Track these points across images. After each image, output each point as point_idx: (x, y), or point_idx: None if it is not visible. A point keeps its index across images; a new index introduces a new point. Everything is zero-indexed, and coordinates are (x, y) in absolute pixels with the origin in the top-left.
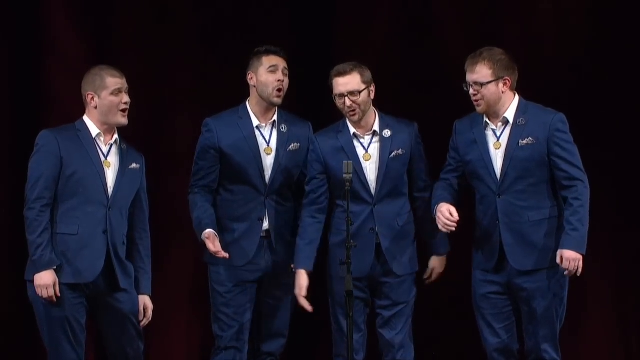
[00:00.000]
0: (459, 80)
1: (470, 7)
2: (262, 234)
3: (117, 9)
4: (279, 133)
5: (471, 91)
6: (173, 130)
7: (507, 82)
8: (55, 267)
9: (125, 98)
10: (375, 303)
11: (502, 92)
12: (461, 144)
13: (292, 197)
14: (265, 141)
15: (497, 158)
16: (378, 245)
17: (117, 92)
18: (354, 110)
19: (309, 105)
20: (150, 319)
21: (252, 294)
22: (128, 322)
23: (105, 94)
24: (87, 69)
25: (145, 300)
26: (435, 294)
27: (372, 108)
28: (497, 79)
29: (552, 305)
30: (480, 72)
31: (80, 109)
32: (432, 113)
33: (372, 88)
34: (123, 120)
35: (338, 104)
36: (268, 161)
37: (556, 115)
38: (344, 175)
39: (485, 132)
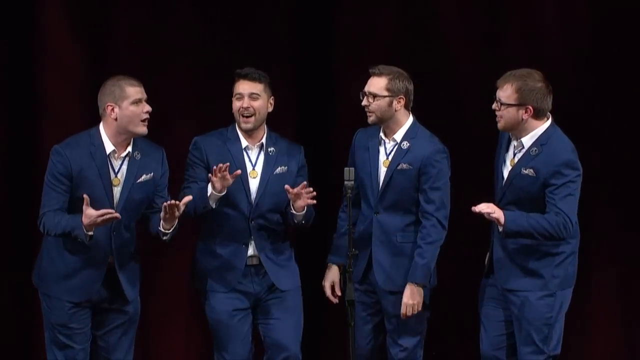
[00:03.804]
0: (459, 82)
1: (473, 8)
2: (248, 260)
3: (113, 14)
4: (266, 156)
5: (493, 105)
6: (170, 135)
7: (529, 111)
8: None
9: (147, 107)
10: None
11: (523, 119)
12: (500, 144)
13: (282, 221)
14: (252, 164)
15: (506, 174)
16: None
17: (138, 101)
18: (368, 112)
19: (310, 108)
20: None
21: (249, 322)
22: (127, 332)
23: (126, 104)
24: (83, 74)
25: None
26: (435, 294)
27: (406, 118)
28: (518, 104)
29: (534, 326)
30: (505, 91)
31: (75, 111)
32: (432, 113)
33: (400, 100)
34: (144, 130)
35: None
36: (253, 185)
37: (567, 158)
38: (345, 182)
39: (509, 146)
